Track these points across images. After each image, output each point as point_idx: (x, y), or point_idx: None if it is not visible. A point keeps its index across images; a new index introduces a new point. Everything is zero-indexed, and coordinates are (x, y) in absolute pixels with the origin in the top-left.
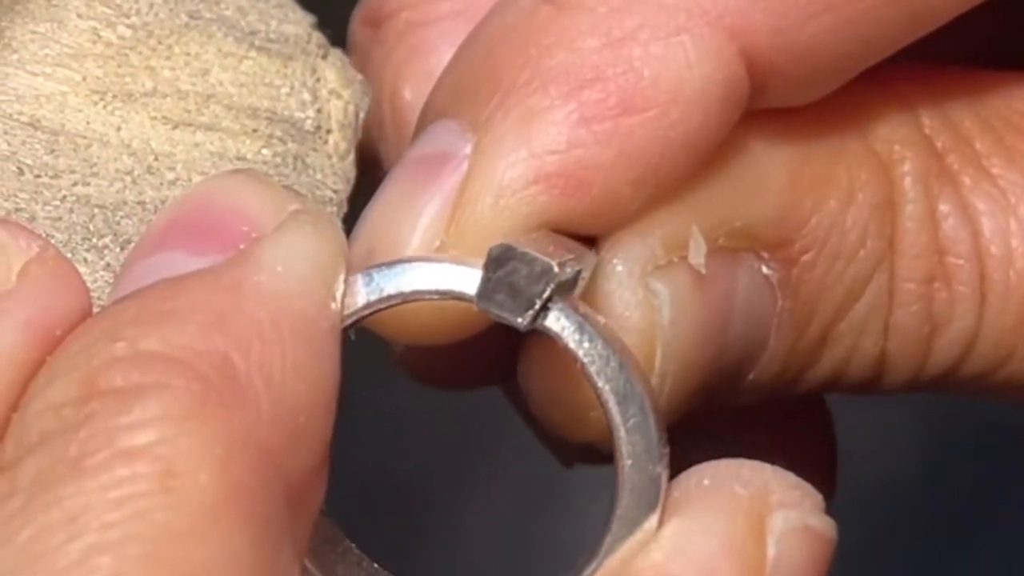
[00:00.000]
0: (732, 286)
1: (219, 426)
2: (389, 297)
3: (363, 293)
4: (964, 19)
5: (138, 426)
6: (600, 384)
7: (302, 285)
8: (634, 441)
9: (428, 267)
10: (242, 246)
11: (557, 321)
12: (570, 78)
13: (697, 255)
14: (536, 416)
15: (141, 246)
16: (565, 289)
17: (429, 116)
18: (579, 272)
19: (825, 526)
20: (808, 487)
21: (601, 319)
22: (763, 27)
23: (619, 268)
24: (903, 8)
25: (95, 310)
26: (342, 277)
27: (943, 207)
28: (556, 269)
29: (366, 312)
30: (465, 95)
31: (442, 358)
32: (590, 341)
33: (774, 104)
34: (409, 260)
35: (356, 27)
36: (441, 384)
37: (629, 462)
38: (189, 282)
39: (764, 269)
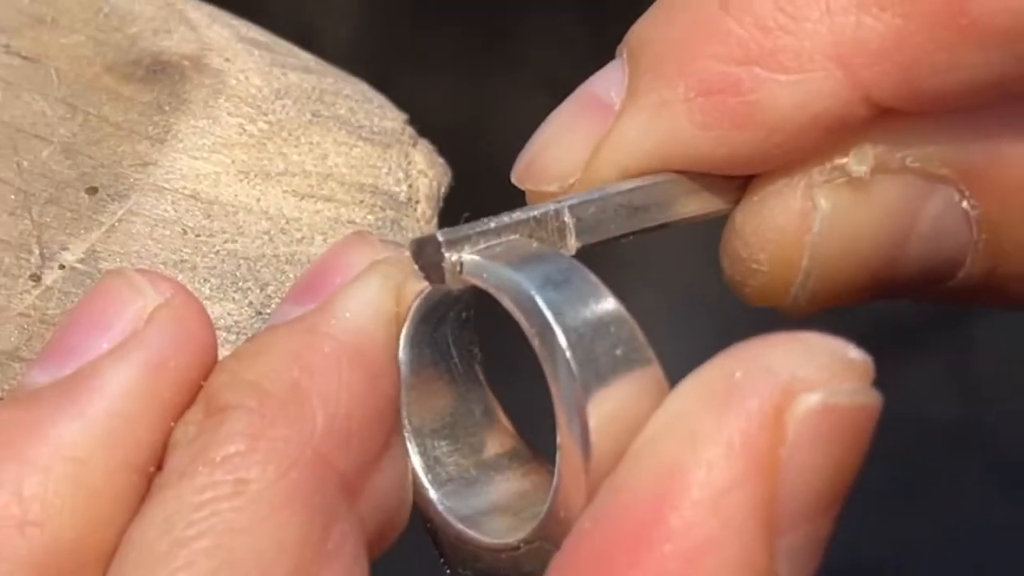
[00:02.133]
0: (916, 209)
1: (281, 441)
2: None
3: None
4: None
5: (223, 442)
6: (516, 315)
7: (361, 325)
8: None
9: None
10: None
11: (472, 273)
12: (700, 84)
13: (858, 164)
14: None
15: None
16: (486, 239)
17: (630, 39)
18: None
19: (853, 398)
20: (842, 360)
21: (517, 248)
22: (889, 78)
23: (784, 180)
24: None
25: (235, 338)
26: (398, 313)
27: None
28: (440, 237)
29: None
30: (640, 46)
31: None
32: (498, 281)
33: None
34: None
35: None
36: None
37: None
38: (281, 328)
39: (964, 204)
